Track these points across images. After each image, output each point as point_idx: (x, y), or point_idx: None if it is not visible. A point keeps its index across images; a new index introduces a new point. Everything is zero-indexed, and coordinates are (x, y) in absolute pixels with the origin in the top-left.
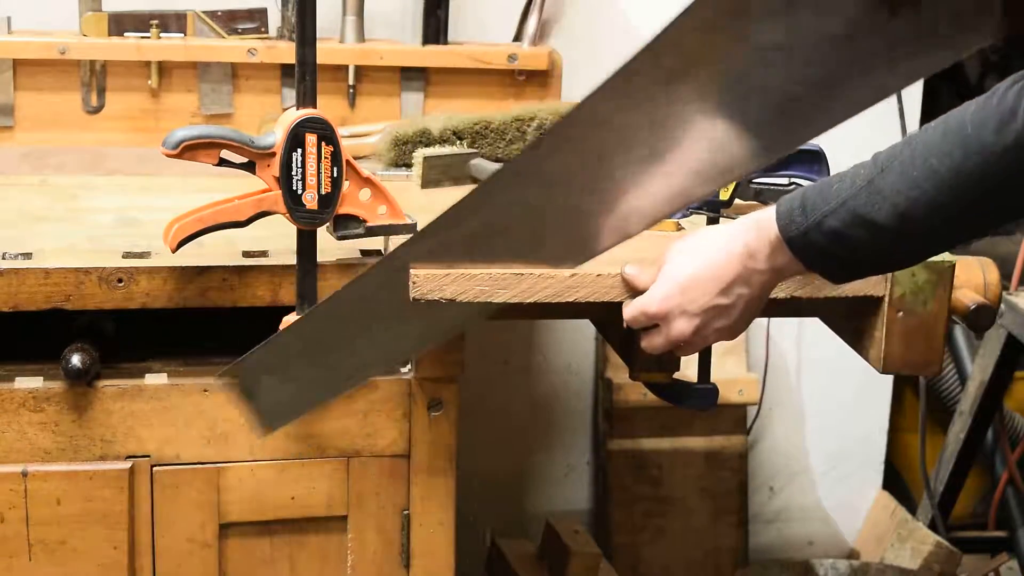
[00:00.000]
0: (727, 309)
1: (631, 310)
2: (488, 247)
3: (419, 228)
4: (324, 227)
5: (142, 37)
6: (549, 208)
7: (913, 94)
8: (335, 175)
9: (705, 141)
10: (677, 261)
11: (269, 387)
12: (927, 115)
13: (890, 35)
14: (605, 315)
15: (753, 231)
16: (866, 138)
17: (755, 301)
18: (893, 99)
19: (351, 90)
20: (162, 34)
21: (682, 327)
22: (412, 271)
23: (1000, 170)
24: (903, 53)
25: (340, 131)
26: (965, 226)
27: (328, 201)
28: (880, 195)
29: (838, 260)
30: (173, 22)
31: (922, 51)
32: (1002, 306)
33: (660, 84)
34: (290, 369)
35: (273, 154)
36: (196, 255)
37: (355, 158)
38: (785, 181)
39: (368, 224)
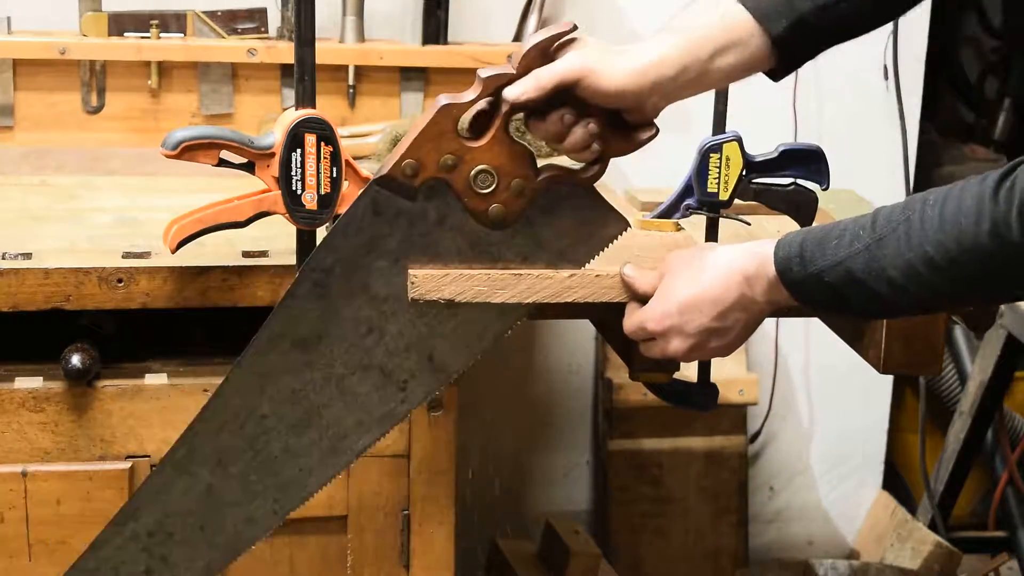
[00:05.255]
0: (723, 331)
1: (631, 324)
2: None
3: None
4: (324, 227)
5: (142, 37)
6: (225, 488)
7: (913, 92)
8: (334, 175)
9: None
10: (677, 279)
11: None
12: (927, 115)
13: None
14: (605, 315)
15: (753, 264)
16: (865, 137)
17: (752, 323)
18: (893, 98)
19: (351, 90)
20: (162, 34)
21: (678, 346)
22: (411, 271)
23: (994, 270)
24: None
25: (340, 131)
26: (960, 304)
27: (327, 201)
28: (877, 264)
29: (835, 309)
30: (173, 22)
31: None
32: (1002, 306)
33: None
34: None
35: (272, 154)
36: (196, 255)
37: (355, 158)
38: (786, 181)
39: None
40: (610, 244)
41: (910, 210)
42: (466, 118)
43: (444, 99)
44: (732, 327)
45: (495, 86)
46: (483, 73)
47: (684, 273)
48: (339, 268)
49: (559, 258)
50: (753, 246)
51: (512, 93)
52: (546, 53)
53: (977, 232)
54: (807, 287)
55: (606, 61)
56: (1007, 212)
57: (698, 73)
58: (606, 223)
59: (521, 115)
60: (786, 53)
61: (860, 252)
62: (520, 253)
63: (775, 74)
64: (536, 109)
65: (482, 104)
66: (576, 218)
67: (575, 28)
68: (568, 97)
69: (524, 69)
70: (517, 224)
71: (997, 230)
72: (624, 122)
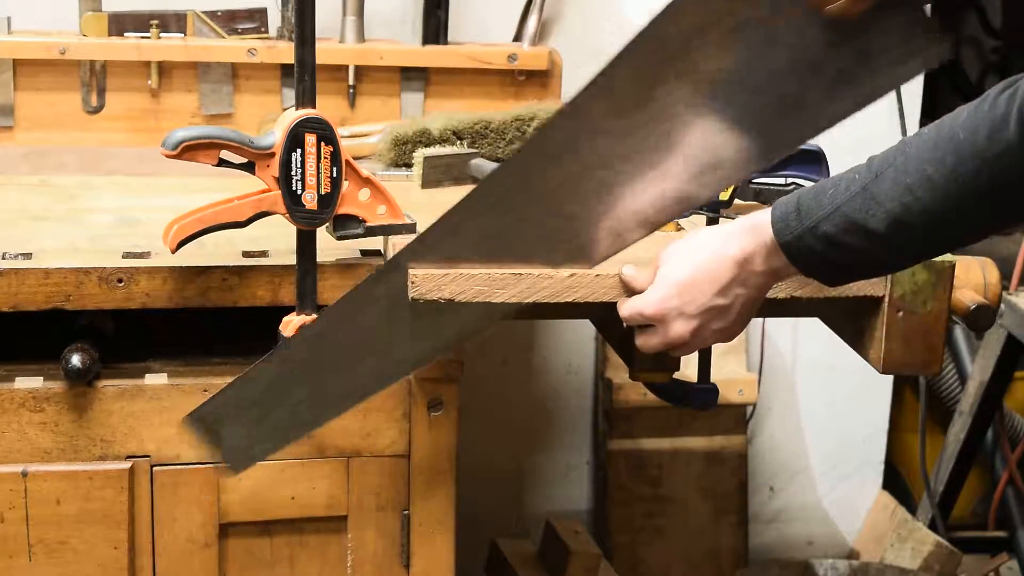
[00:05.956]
0: (725, 310)
1: (628, 309)
2: (488, 253)
3: (418, 231)
4: (324, 227)
5: (142, 37)
6: (547, 215)
7: (913, 92)
8: (334, 175)
9: (698, 143)
10: (674, 263)
11: (236, 428)
12: (927, 113)
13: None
14: (605, 315)
15: (749, 234)
16: (866, 137)
17: (752, 301)
18: (893, 98)
19: (351, 90)
20: (162, 34)
21: (680, 329)
22: (411, 271)
23: (993, 176)
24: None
25: (340, 131)
26: (959, 231)
27: (327, 201)
28: (874, 201)
29: (832, 265)
30: (173, 22)
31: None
32: (1002, 306)
33: (646, 85)
34: (265, 404)
35: (272, 154)
36: (196, 255)
37: (355, 158)
38: (784, 181)
39: (368, 224)
40: (929, 69)
41: (905, 143)
42: None
43: None
44: (733, 304)
45: None
46: None
47: (679, 256)
48: (665, 45)
49: (876, 77)
50: (747, 217)
51: None
52: None
53: (974, 139)
54: (805, 243)
55: None
56: (1006, 113)
57: None
58: (930, 46)
59: None
60: None
61: (857, 194)
62: (843, 63)
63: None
64: None
65: None
66: (904, 36)
67: None
68: None
69: None
70: (850, 30)
71: (995, 132)
72: None
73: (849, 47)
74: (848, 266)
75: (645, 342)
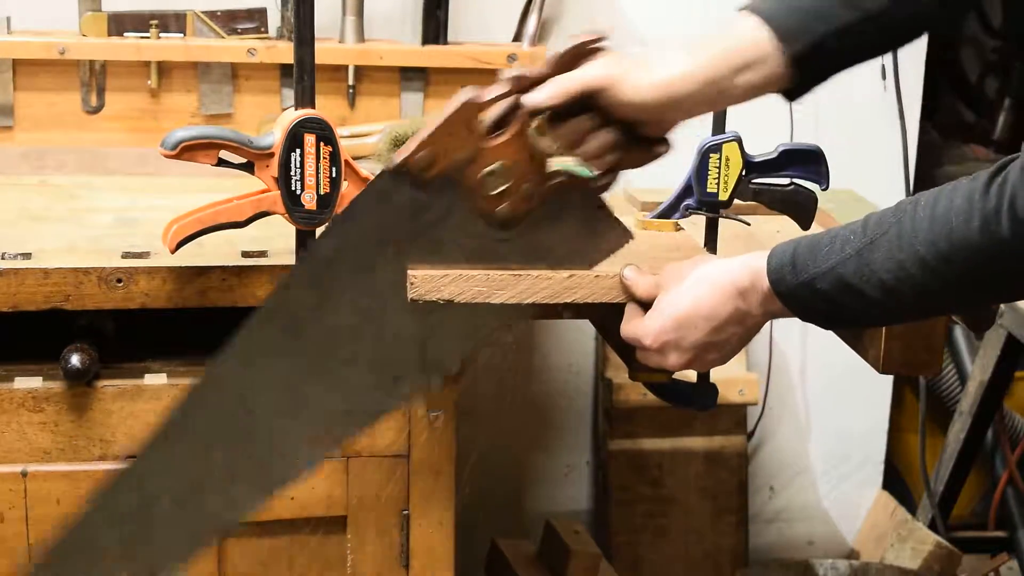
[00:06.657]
0: (719, 345)
1: (627, 333)
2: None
3: None
4: (323, 227)
5: (142, 37)
6: (207, 469)
7: (913, 93)
8: (334, 175)
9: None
10: (673, 294)
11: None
12: (926, 114)
13: None
14: (605, 315)
15: (747, 277)
16: (865, 137)
17: (747, 336)
18: (893, 98)
19: (351, 90)
20: (162, 34)
21: (675, 360)
22: (410, 272)
23: (984, 267)
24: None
25: (340, 131)
26: (953, 307)
27: (327, 201)
28: (868, 268)
29: (827, 318)
30: (173, 22)
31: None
32: (1002, 306)
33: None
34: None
35: (272, 154)
36: (196, 255)
37: (355, 158)
38: (784, 181)
39: None
40: (611, 255)
41: (901, 212)
42: (487, 115)
43: (467, 93)
44: (728, 340)
45: (520, 87)
46: (508, 73)
47: (680, 288)
48: (341, 255)
49: (559, 264)
50: (747, 259)
51: (536, 98)
52: (577, 59)
53: (967, 229)
54: (800, 296)
55: (630, 73)
56: (998, 207)
57: (719, 91)
58: (610, 234)
59: (540, 117)
60: (804, 73)
61: (851, 257)
62: (523, 256)
63: (791, 93)
64: (556, 113)
65: (505, 103)
66: (581, 226)
67: (605, 38)
68: (588, 105)
69: (551, 73)
70: (522, 227)
71: (987, 225)
72: (639, 135)
73: (525, 243)
74: (844, 319)
75: (644, 359)
